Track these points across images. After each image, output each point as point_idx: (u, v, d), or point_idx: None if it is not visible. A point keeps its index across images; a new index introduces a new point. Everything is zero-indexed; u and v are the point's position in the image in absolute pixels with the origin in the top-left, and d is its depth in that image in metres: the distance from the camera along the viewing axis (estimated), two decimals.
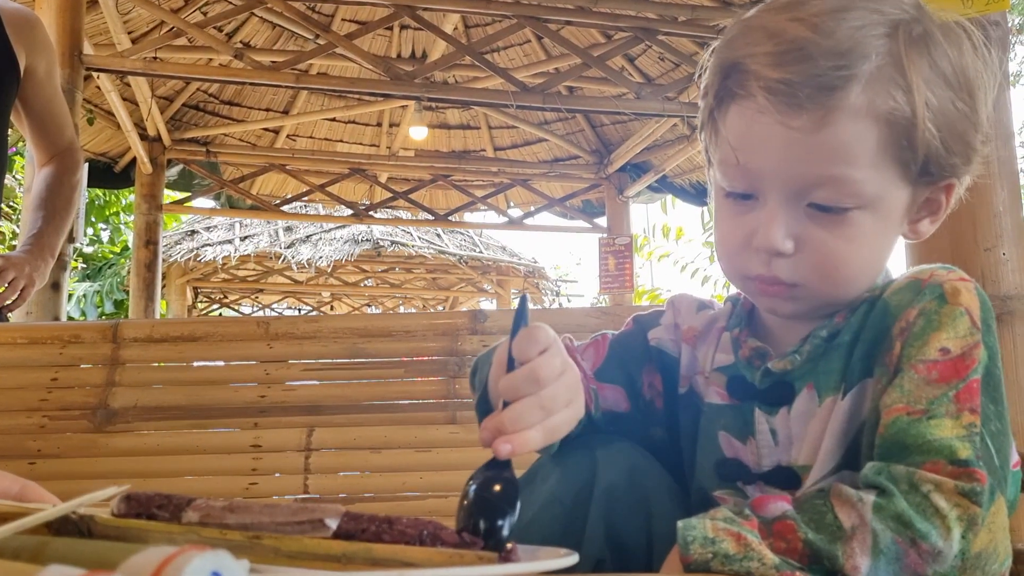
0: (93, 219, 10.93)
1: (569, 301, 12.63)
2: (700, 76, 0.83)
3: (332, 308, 11.94)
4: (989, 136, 0.79)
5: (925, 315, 0.73)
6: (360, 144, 7.35)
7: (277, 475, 1.49)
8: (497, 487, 0.63)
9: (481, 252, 9.28)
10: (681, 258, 8.98)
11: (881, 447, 0.71)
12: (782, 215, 0.75)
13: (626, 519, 0.80)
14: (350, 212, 7.10)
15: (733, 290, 0.90)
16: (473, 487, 0.63)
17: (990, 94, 0.78)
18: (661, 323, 0.96)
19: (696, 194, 6.93)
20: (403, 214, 8.33)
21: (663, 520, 0.78)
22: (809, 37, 0.71)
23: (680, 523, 0.69)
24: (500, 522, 0.60)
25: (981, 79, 0.77)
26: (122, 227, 11.98)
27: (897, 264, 0.89)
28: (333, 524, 0.53)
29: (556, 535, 0.78)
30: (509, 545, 0.58)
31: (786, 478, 0.81)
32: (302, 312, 12.05)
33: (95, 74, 4.38)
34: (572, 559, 0.58)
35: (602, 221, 7.21)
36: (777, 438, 0.82)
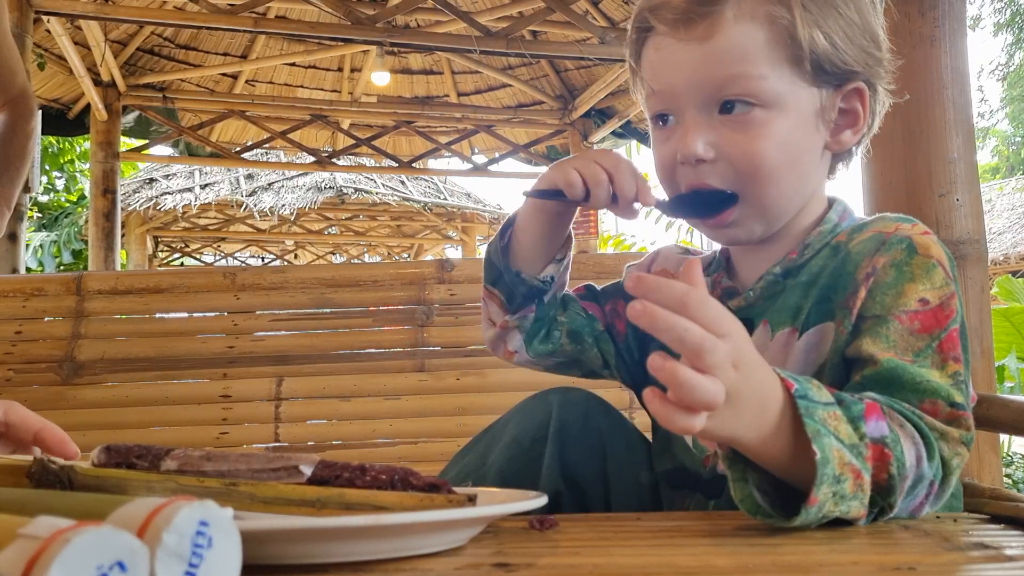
0: (47, 167, 10.68)
1: None
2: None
3: (296, 256, 11.83)
4: (883, 45, 0.84)
5: (896, 266, 0.75)
6: (321, 90, 7.21)
7: (247, 424, 1.50)
8: None
9: (446, 199, 9.22)
10: None
11: (872, 381, 0.71)
12: (698, 125, 0.81)
13: (580, 456, 0.84)
14: (312, 159, 6.99)
15: (698, 235, 0.94)
16: None
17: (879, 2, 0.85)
18: (640, 265, 1.02)
19: None
20: (366, 161, 8.22)
21: (616, 461, 0.83)
22: None
23: (816, 448, 0.59)
24: None
25: None
26: (77, 175, 11.71)
27: (855, 208, 0.92)
28: (308, 471, 0.55)
29: (515, 474, 0.83)
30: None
31: None
32: (265, 260, 11.93)
33: (45, 17, 4.23)
34: (541, 501, 0.60)
35: None
36: None
